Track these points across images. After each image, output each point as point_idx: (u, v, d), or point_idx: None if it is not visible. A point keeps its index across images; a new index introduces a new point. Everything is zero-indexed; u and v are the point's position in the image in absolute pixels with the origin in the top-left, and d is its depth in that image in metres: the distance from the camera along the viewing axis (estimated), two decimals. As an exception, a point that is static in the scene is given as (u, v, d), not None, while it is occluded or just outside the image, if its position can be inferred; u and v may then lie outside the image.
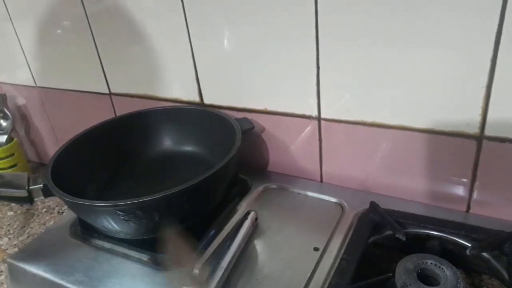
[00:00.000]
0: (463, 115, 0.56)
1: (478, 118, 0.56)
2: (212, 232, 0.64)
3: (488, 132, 0.56)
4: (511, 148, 0.55)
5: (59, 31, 0.89)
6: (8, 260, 0.64)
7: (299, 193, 0.72)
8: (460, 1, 0.50)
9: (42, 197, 0.60)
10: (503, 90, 0.53)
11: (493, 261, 0.54)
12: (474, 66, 0.53)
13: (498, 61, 0.51)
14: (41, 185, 0.60)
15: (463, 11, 0.51)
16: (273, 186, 0.74)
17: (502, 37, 0.50)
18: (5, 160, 1.01)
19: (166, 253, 0.59)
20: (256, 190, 0.73)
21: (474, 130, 0.57)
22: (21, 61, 0.99)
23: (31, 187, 0.60)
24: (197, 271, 0.57)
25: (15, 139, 1.03)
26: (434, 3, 0.52)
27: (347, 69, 0.61)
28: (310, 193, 0.71)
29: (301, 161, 0.74)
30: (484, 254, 0.54)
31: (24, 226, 0.88)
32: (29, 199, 0.59)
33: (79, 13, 0.82)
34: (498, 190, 0.59)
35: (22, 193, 0.58)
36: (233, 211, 0.68)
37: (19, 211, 0.94)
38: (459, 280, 0.50)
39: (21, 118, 1.10)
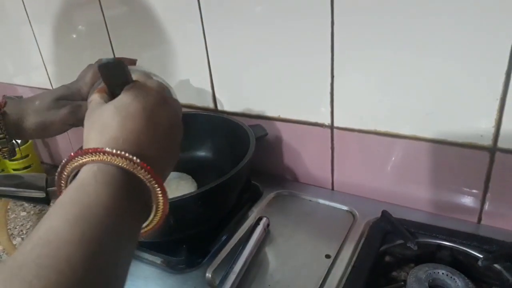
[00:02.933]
0: (476, 126, 0.57)
1: (491, 130, 0.56)
2: (224, 237, 0.65)
3: (501, 144, 0.56)
4: (524, 160, 0.56)
5: (76, 35, 0.91)
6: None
7: (310, 200, 0.72)
8: (476, 14, 0.51)
9: (59, 199, 0.61)
10: (518, 102, 0.53)
11: (505, 273, 0.54)
12: (489, 78, 0.53)
13: (513, 74, 0.52)
14: (59, 186, 0.61)
15: (479, 24, 0.51)
16: (285, 193, 0.74)
17: (517, 50, 0.50)
18: (20, 161, 1.02)
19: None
20: (268, 197, 0.73)
21: (488, 142, 0.57)
22: (38, 64, 1.01)
23: (49, 189, 0.61)
24: (210, 275, 0.58)
25: (30, 141, 1.05)
26: (448, 15, 0.52)
27: (361, 78, 0.62)
28: (321, 201, 0.71)
29: (313, 169, 0.75)
30: (496, 265, 0.54)
31: (37, 227, 0.89)
32: (46, 200, 0.60)
33: (97, 17, 0.84)
34: (510, 202, 0.59)
35: (40, 194, 0.59)
36: (244, 217, 0.69)
37: (32, 212, 0.95)
38: (470, 291, 0.51)
39: (36, 120, 1.11)
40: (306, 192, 0.74)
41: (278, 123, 0.74)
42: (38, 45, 0.98)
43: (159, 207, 0.35)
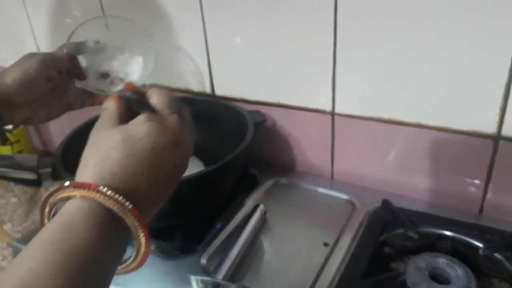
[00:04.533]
0: (480, 114, 0.56)
1: (495, 117, 0.55)
2: (220, 224, 0.64)
3: (505, 132, 0.55)
4: (528, 149, 0.55)
5: (71, 20, 0.89)
6: (14, 243, 0.64)
7: (309, 189, 0.71)
8: (481, 0, 0.50)
9: (51, 180, 0.60)
10: (523, 89, 0.52)
11: (506, 263, 0.53)
12: (494, 64, 0.52)
13: (519, 59, 0.50)
14: (50, 168, 0.60)
15: (484, 10, 0.50)
16: (283, 181, 0.73)
17: (525, 35, 0.49)
18: (11, 146, 1.00)
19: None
20: (265, 185, 0.72)
21: (491, 130, 0.56)
22: (32, 48, 0.99)
23: (40, 170, 0.59)
24: (205, 261, 0.56)
25: (21, 126, 1.03)
26: (454, 3, 0.51)
27: (365, 64, 0.61)
28: (320, 189, 0.70)
29: (312, 157, 0.73)
30: (497, 255, 0.53)
31: (27, 213, 0.88)
32: (37, 182, 0.59)
33: (95, 3, 0.82)
34: (512, 192, 0.59)
35: (32, 175, 0.58)
36: (241, 205, 0.68)
37: (23, 198, 0.93)
38: (470, 280, 0.50)
39: (29, 105, 1.10)
40: (305, 180, 0.73)
41: (277, 109, 0.72)
42: (32, 29, 0.96)
43: (139, 253, 0.33)
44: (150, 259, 0.58)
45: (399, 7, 0.55)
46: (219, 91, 0.77)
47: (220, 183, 0.64)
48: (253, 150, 0.72)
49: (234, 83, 0.75)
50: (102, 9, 0.82)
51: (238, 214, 0.65)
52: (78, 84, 0.56)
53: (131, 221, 0.31)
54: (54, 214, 0.33)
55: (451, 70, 0.55)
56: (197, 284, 0.53)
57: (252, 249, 0.58)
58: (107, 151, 0.33)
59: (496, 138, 0.56)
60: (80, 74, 0.55)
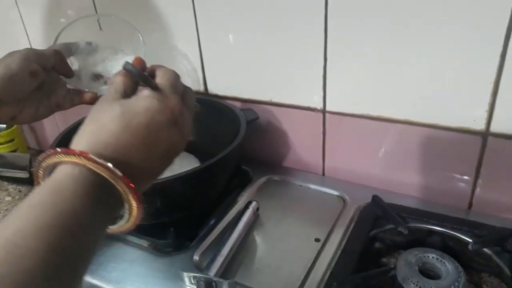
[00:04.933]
0: (469, 110, 0.56)
1: (484, 114, 0.56)
2: (213, 221, 0.64)
3: (493, 128, 0.56)
4: (516, 145, 0.55)
5: (64, 19, 0.89)
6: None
7: (301, 185, 0.71)
8: (471, -3, 0.50)
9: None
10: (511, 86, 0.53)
11: (495, 258, 0.53)
12: (483, 61, 0.53)
13: (507, 56, 0.51)
14: (43, 166, 0.60)
15: (473, 8, 0.51)
16: (275, 178, 0.74)
17: (513, 32, 0.50)
18: (5, 146, 1.00)
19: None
20: (258, 182, 0.72)
21: (480, 126, 0.57)
22: (25, 46, 0.98)
23: (32, 169, 0.59)
24: (197, 258, 0.57)
25: (15, 125, 1.02)
26: (442, 2, 0.52)
27: (355, 62, 0.61)
28: (312, 186, 0.71)
29: (304, 154, 0.74)
30: (486, 250, 0.54)
31: (22, 212, 0.88)
32: (30, 181, 0.59)
33: (87, 2, 0.82)
34: (501, 188, 0.59)
35: (24, 174, 0.58)
36: (234, 202, 0.68)
37: (17, 197, 0.93)
38: (460, 274, 0.50)
39: (23, 104, 1.09)
40: (297, 177, 0.73)
41: (269, 107, 0.73)
42: (26, 29, 0.96)
43: (131, 216, 0.34)
44: (143, 256, 0.59)
45: (388, 7, 0.55)
46: (212, 90, 0.77)
47: (213, 180, 0.64)
48: (246, 147, 0.73)
49: (227, 81, 0.75)
50: (95, 8, 0.82)
51: (231, 211, 0.66)
52: (70, 85, 0.55)
53: (121, 186, 0.32)
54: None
55: (440, 67, 0.56)
56: (190, 281, 0.53)
57: (244, 245, 0.59)
58: (105, 122, 0.34)
59: (485, 135, 0.57)
60: (67, 70, 0.54)
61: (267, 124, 0.75)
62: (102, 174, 0.31)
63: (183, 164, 0.69)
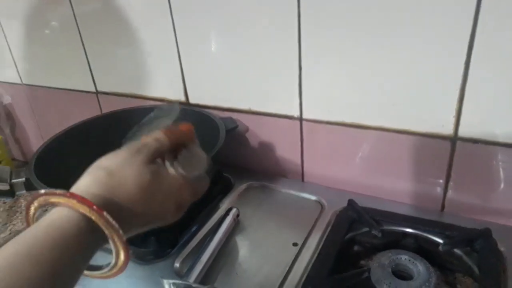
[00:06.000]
0: (438, 116, 0.58)
1: (452, 119, 0.58)
2: (194, 228, 0.65)
3: (461, 133, 0.58)
4: (483, 149, 0.57)
5: (46, 31, 0.89)
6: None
7: (280, 191, 0.73)
8: (435, 6, 0.52)
9: (24, 191, 0.60)
10: (476, 92, 0.55)
11: (465, 258, 0.55)
12: (449, 69, 0.55)
13: (471, 64, 0.53)
14: (24, 178, 0.60)
15: (438, 17, 0.53)
16: (256, 184, 0.75)
17: (476, 40, 0.52)
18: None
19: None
20: (239, 188, 0.74)
21: (449, 131, 0.59)
22: (7, 59, 0.99)
23: (13, 181, 0.60)
24: (178, 265, 0.58)
25: (0, 137, 1.03)
26: (409, 9, 0.54)
27: (328, 71, 0.63)
28: (291, 192, 0.72)
29: (283, 160, 0.76)
30: (457, 250, 0.56)
31: (6, 223, 0.88)
32: (10, 193, 0.60)
33: (67, 13, 0.83)
34: (471, 190, 0.61)
35: (4, 186, 0.58)
36: (215, 208, 0.69)
37: (1, 208, 0.93)
38: (431, 275, 0.52)
39: (7, 116, 1.10)
40: (277, 183, 0.75)
41: (249, 116, 0.74)
42: (6, 40, 0.96)
43: (118, 262, 0.35)
44: (124, 264, 0.60)
45: (360, 19, 0.57)
46: (193, 99, 0.79)
47: (193, 188, 0.65)
48: (227, 155, 0.74)
49: (207, 91, 0.77)
50: (76, 19, 0.83)
51: (213, 217, 0.67)
52: None
53: (116, 242, 0.34)
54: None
55: (410, 76, 0.58)
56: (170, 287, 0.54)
57: (224, 251, 0.60)
58: (127, 183, 0.35)
59: (454, 139, 0.59)
60: None
61: (247, 132, 0.76)
62: (106, 232, 0.33)
63: None
